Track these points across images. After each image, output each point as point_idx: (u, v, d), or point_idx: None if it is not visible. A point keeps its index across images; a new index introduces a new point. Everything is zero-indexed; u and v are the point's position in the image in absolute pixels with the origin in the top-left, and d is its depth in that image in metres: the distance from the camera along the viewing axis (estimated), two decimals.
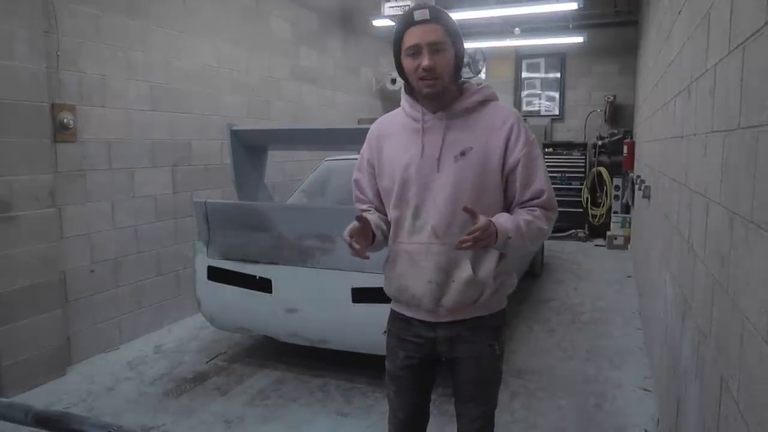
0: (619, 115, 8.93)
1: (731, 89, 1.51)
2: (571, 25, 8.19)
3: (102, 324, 4.05)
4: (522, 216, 1.65)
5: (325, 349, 3.47)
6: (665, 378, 2.73)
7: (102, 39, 3.92)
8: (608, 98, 8.85)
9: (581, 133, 9.23)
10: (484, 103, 1.70)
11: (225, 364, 3.84)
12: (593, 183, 8.78)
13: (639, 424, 3.01)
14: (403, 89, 1.75)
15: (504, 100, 2.02)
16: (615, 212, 8.35)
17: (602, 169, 8.68)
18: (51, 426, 1.06)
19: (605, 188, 8.64)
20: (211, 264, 3.56)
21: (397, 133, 1.75)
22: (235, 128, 3.90)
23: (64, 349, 3.69)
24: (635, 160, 6.85)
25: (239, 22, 5.35)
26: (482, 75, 8.71)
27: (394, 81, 8.10)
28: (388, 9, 5.68)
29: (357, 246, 1.57)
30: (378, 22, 6.91)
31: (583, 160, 8.88)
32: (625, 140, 7.83)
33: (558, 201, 1.76)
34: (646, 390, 3.40)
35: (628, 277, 6.25)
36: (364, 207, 1.82)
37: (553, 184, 1.77)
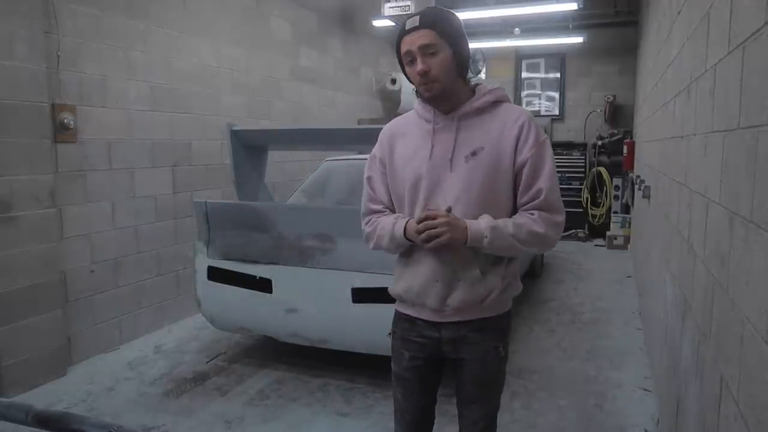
0: (619, 115, 8.93)
1: (731, 89, 1.51)
2: (571, 25, 8.19)
3: (102, 324, 4.05)
4: (514, 218, 1.65)
5: (325, 349, 3.47)
6: (665, 378, 2.73)
7: (102, 39, 3.92)
8: (608, 98, 8.85)
9: (581, 133, 9.23)
10: (496, 103, 1.70)
11: (225, 364, 3.84)
12: (593, 183, 8.78)
13: (639, 424, 3.01)
14: (415, 93, 1.76)
15: None
16: (615, 212, 8.35)
17: (602, 169, 8.68)
18: (51, 426, 1.06)
19: (605, 188, 8.64)
20: (211, 264, 3.56)
21: (410, 133, 1.75)
22: (235, 128, 3.90)
23: (64, 349, 3.69)
24: (635, 160, 6.85)
25: (239, 22, 5.35)
26: (482, 75, 8.71)
27: (394, 81, 8.10)
28: (388, 9, 5.68)
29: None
30: (378, 23, 6.91)
31: (583, 160, 8.89)
32: (625, 140, 7.83)
33: None
34: (646, 390, 3.41)
35: (628, 277, 6.25)
36: (378, 208, 1.80)
37: None
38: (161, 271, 4.57)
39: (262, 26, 5.72)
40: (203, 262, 3.58)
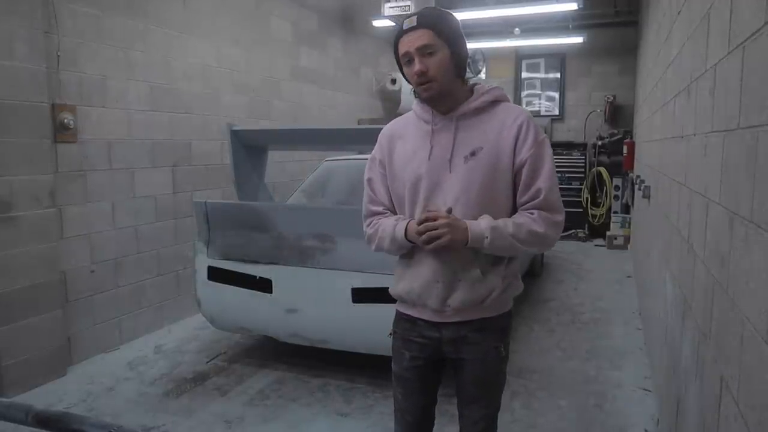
0: (619, 115, 8.93)
1: (731, 89, 1.51)
2: (571, 26, 8.19)
3: (102, 324, 4.05)
4: (514, 218, 1.65)
5: (325, 349, 3.47)
6: (665, 378, 2.73)
7: (102, 39, 3.92)
8: (608, 98, 8.85)
9: (581, 133, 9.24)
10: (494, 103, 1.70)
11: (225, 364, 3.84)
12: (593, 183, 8.78)
13: (639, 424, 3.01)
14: (413, 94, 1.76)
15: None
16: (615, 212, 8.35)
17: (602, 169, 8.69)
18: (51, 426, 1.06)
19: (605, 188, 8.64)
20: (212, 264, 3.56)
21: (409, 135, 1.75)
22: (235, 128, 3.91)
23: (64, 349, 3.69)
24: (635, 160, 6.85)
25: (239, 22, 5.35)
26: (482, 75, 8.69)
27: (394, 81, 8.10)
28: (388, 9, 5.68)
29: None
30: (378, 23, 6.91)
31: (583, 160, 8.89)
32: (625, 140, 7.83)
33: None
34: (646, 390, 3.41)
35: (628, 277, 6.25)
36: (379, 209, 1.80)
37: None
38: (161, 271, 4.57)
39: (262, 26, 5.72)
40: (203, 262, 3.58)
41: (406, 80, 1.70)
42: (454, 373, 1.83)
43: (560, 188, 1.73)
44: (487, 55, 8.46)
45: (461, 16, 6.22)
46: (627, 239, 7.82)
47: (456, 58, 1.63)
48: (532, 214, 1.64)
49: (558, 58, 9.36)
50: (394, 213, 1.80)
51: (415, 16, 1.61)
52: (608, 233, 8.11)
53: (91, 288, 3.95)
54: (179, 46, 4.62)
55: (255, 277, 3.41)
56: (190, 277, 4.33)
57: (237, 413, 3.17)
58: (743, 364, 1.28)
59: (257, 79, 5.66)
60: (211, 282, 3.57)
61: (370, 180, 1.83)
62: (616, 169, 8.44)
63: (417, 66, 1.60)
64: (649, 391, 3.39)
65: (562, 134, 9.43)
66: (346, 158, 4.67)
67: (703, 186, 1.88)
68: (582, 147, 9.02)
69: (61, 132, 3.63)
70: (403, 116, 1.85)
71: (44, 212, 3.48)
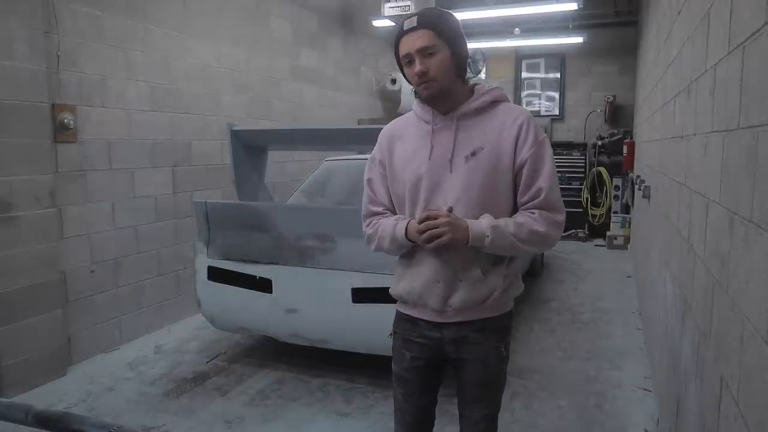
0: (619, 115, 8.93)
1: (731, 89, 1.51)
2: (571, 26, 8.19)
3: (102, 324, 4.05)
4: (515, 218, 1.65)
5: (325, 349, 3.47)
6: (665, 378, 2.73)
7: (102, 39, 3.92)
8: (608, 98, 8.85)
9: (581, 133, 9.23)
10: (495, 103, 1.70)
11: (225, 364, 3.84)
12: (593, 183, 8.78)
13: (639, 424, 3.02)
14: (414, 94, 1.76)
15: None
16: (615, 212, 8.35)
17: (602, 169, 8.69)
18: (51, 426, 1.06)
19: (605, 188, 8.64)
20: (212, 264, 3.56)
21: (409, 135, 1.75)
22: (235, 128, 3.91)
23: (64, 349, 3.69)
24: (635, 160, 6.85)
25: (239, 22, 5.35)
26: (482, 75, 8.69)
27: (394, 81, 8.10)
28: (388, 9, 5.68)
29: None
30: (378, 23, 6.90)
31: (583, 160, 8.89)
32: (625, 140, 7.83)
33: None
34: (646, 390, 3.41)
35: (628, 277, 6.25)
36: (379, 210, 1.80)
37: None
38: (161, 271, 4.57)
39: (262, 26, 5.72)
40: (203, 262, 3.58)
41: (407, 80, 1.70)
42: (455, 373, 1.83)
43: (560, 188, 1.73)
44: (487, 55, 8.46)
45: (461, 16, 6.23)
46: (627, 239, 7.82)
47: (456, 58, 1.63)
48: (533, 213, 1.64)
49: (558, 58, 9.36)
50: (394, 213, 1.80)
51: (415, 17, 1.62)
52: (608, 233, 8.11)
53: (91, 288, 3.95)
54: (179, 46, 4.62)
55: (255, 277, 3.41)
56: (190, 277, 4.33)
57: (237, 413, 3.17)
58: (743, 364, 1.28)
59: (257, 79, 5.66)
60: (211, 282, 3.57)
61: (369, 180, 1.83)
62: (616, 169, 8.44)
63: (418, 67, 1.60)
64: (649, 391, 3.38)
65: (562, 134, 9.43)
66: (346, 158, 4.67)
67: (703, 186, 1.88)
68: (582, 147, 9.02)
69: (61, 132, 3.63)
70: (402, 117, 1.85)
71: (44, 212, 3.48)
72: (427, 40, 1.58)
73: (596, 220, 8.70)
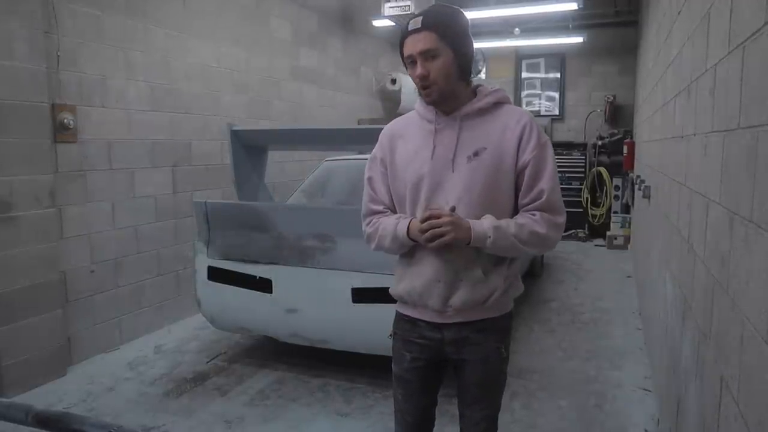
0: (619, 115, 8.93)
1: (731, 89, 1.51)
2: (571, 25, 8.19)
3: (102, 324, 4.05)
4: (516, 219, 1.65)
5: (325, 349, 3.47)
6: (665, 378, 2.73)
7: (102, 39, 3.92)
8: (608, 98, 8.85)
9: (581, 133, 9.23)
10: (498, 105, 1.70)
11: (225, 364, 3.84)
12: (593, 183, 8.78)
13: (639, 424, 3.01)
14: (417, 93, 1.76)
15: None
16: (615, 212, 8.35)
17: (602, 169, 8.69)
18: (51, 426, 1.06)
19: (605, 188, 8.64)
20: (212, 264, 3.56)
21: (411, 134, 1.75)
22: (235, 128, 3.91)
23: (64, 349, 3.69)
24: (635, 160, 6.85)
25: (239, 22, 5.35)
26: (482, 75, 8.71)
27: (394, 81, 8.10)
28: (388, 9, 5.68)
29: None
30: (378, 22, 6.91)
31: (583, 160, 8.89)
32: (625, 140, 7.83)
33: None
34: (646, 390, 3.41)
35: (628, 277, 6.25)
36: (379, 208, 1.80)
37: None
38: (161, 271, 4.57)
39: (262, 26, 5.72)
40: (203, 262, 3.58)
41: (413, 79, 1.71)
42: (455, 373, 1.83)
43: (560, 188, 1.73)
44: (487, 55, 8.48)
45: None
46: (627, 239, 7.82)
47: (460, 60, 1.62)
48: (534, 215, 1.65)
49: (558, 58, 9.36)
50: (394, 212, 1.79)
51: (421, 17, 1.60)
52: (608, 233, 8.11)
53: (91, 288, 3.95)
54: (179, 46, 4.62)
55: (255, 277, 3.41)
56: (190, 277, 4.33)
57: (237, 413, 3.17)
58: (743, 364, 1.28)
59: (257, 79, 5.66)
60: (211, 282, 3.57)
61: (370, 179, 1.82)
62: (616, 169, 8.44)
63: (418, 70, 1.60)
64: (649, 391, 3.38)
65: (562, 134, 9.43)
66: (346, 158, 4.67)
67: (703, 186, 1.88)
68: (582, 147, 9.02)
69: (61, 132, 3.63)
70: (404, 116, 1.85)
71: (44, 212, 3.48)
72: (429, 43, 1.57)
73: (596, 220, 8.70)
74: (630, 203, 7.29)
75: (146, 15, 4.28)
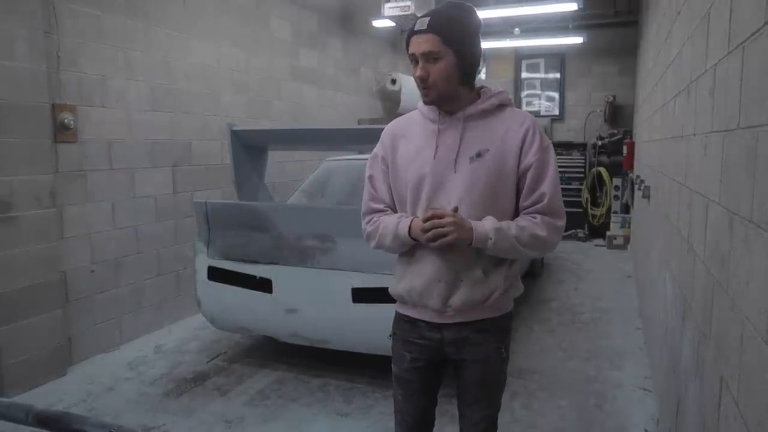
0: (619, 115, 8.93)
1: (731, 89, 1.51)
2: (570, 26, 8.19)
3: (102, 324, 4.05)
4: (517, 221, 1.65)
5: (325, 349, 3.47)
6: (665, 378, 2.73)
7: (102, 39, 3.92)
8: (608, 98, 8.85)
9: (581, 133, 9.23)
10: (501, 107, 1.71)
11: (225, 364, 3.84)
12: (593, 183, 8.78)
13: (639, 424, 3.01)
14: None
15: None
16: (615, 212, 8.35)
17: (602, 169, 8.69)
18: (51, 426, 1.06)
19: (605, 188, 8.64)
20: (212, 264, 3.56)
21: (413, 133, 1.75)
22: (235, 128, 3.91)
23: (64, 349, 3.69)
24: (635, 160, 6.85)
25: (239, 23, 5.35)
26: (482, 75, 8.71)
27: (394, 81, 8.10)
28: (388, 9, 5.68)
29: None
30: (378, 23, 6.91)
31: (583, 160, 8.89)
32: (625, 140, 7.83)
33: None
34: (646, 390, 3.41)
35: (628, 277, 6.25)
36: (380, 207, 1.80)
37: None
38: (161, 271, 4.57)
39: (262, 26, 5.72)
40: (203, 262, 3.58)
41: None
42: (455, 374, 1.83)
43: (560, 188, 1.73)
44: (487, 55, 8.48)
45: None
46: (627, 239, 7.82)
47: (463, 64, 1.62)
48: (534, 218, 1.65)
49: (558, 58, 9.36)
50: (395, 211, 1.79)
51: (428, 18, 1.59)
52: (608, 233, 8.11)
53: (91, 288, 3.95)
54: (179, 46, 4.62)
55: (255, 277, 3.41)
56: (190, 277, 4.33)
57: (237, 413, 3.17)
58: (743, 364, 1.28)
59: (257, 79, 5.66)
60: (211, 282, 3.57)
61: (371, 177, 1.82)
62: (616, 169, 8.44)
63: (418, 71, 1.61)
64: (649, 391, 3.38)
65: (562, 134, 9.43)
66: (346, 158, 4.67)
67: (703, 186, 1.88)
68: (582, 147, 9.02)
69: (61, 132, 3.63)
70: (406, 115, 1.85)
71: (44, 212, 3.48)
72: (431, 46, 1.57)
73: (596, 220, 8.70)
74: (630, 203, 7.30)
75: (146, 15, 4.28)
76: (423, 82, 1.61)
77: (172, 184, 4.63)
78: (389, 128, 1.84)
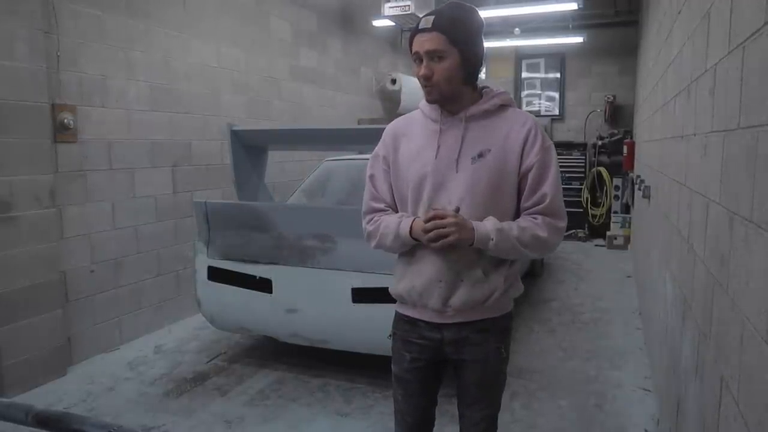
0: (619, 115, 8.93)
1: (731, 89, 1.51)
2: (571, 25, 8.19)
3: (102, 324, 4.05)
4: (518, 222, 1.65)
5: (325, 349, 3.47)
6: (665, 378, 2.73)
7: (102, 39, 3.92)
8: (608, 98, 8.85)
9: (581, 133, 9.24)
10: (503, 107, 1.71)
11: (225, 364, 3.84)
12: (593, 183, 8.79)
13: (639, 424, 3.01)
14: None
15: None
16: (615, 212, 8.36)
17: (602, 169, 8.69)
18: (51, 426, 1.06)
19: (605, 188, 8.64)
20: (212, 264, 3.56)
21: (414, 133, 1.75)
22: (235, 128, 3.91)
23: (64, 349, 3.69)
24: (635, 160, 6.85)
25: (239, 23, 5.35)
26: (482, 75, 8.67)
27: (394, 81, 8.10)
28: (388, 9, 5.69)
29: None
30: (378, 23, 6.92)
31: (583, 160, 8.90)
32: (625, 140, 7.83)
33: None
34: (646, 390, 3.41)
35: (628, 277, 6.25)
36: (380, 206, 1.79)
37: None
38: (161, 271, 4.57)
39: (262, 26, 5.72)
40: (203, 262, 3.58)
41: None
42: (455, 374, 1.83)
43: (562, 189, 1.73)
44: (487, 55, 8.46)
45: None
46: (627, 239, 7.82)
47: (466, 64, 1.62)
48: (536, 218, 1.65)
49: (558, 58, 9.36)
50: (395, 211, 1.79)
51: (433, 16, 1.59)
52: (608, 233, 8.11)
53: (91, 288, 3.95)
54: (179, 46, 4.62)
55: (255, 277, 3.41)
56: (190, 277, 4.33)
57: (237, 413, 3.17)
58: (743, 364, 1.28)
59: (257, 79, 5.66)
60: (211, 282, 3.57)
61: (372, 176, 1.82)
62: (616, 169, 8.44)
63: (423, 70, 1.60)
64: (649, 391, 3.38)
65: (562, 134, 9.44)
66: (346, 158, 4.67)
67: (703, 186, 1.88)
68: (582, 147, 9.02)
69: (61, 132, 3.63)
70: (407, 115, 1.85)
71: (44, 212, 3.48)
72: (437, 44, 1.57)
73: (596, 220, 8.70)
74: (630, 203, 7.29)
75: (147, 15, 4.28)
76: (427, 81, 1.61)
77: (172, 184, 4.63)
78: (390, 127, 1.84)
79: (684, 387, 2.10)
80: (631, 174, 7.11)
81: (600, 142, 8.80)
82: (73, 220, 3.78)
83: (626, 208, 8.07)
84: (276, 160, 5.28)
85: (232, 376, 3.66)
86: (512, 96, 1.82)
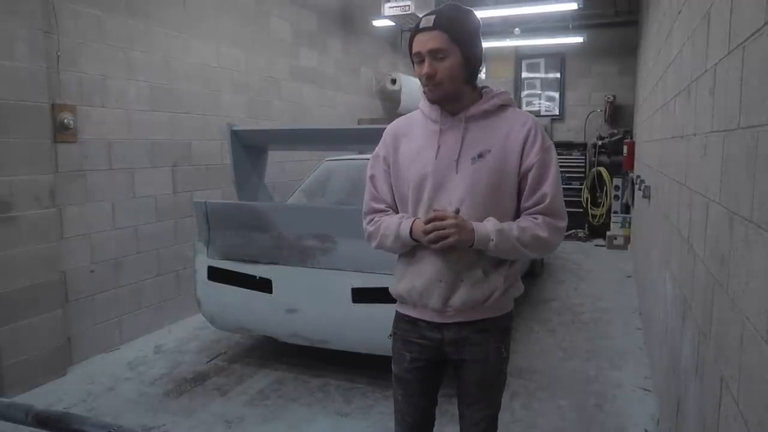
0: (619, 115, 8.94)
1: (731, 89, 1.51)
2: (571, 25, 8.19)
3: (102, 324, 4.05)
4: (519, 222, 1.65)
5: (325, 349, 3.47)
6: (665, 378, 2.73)
7: (102, 39, 3.92)
8: (608, 98, 8.86)
9: (581, 133, 9.24)
10: (503, 107, 1.71)
11: (225, 364, 3.84)
12: (593, 183, 8.79)
13: (639, 424, 3.01)
14: (422, 91, 1.76)
15: None
16: (615, 212, 8.36)
17: (602, 169, 8.69)
18: (51, 426, 1.06)
19: (605, 188, 8.65)
20: (212, 264, 3.56)
21: (414, 133, 1.75)
22: (235, 128, 3.91)
23: (64, 349, 3.69)
24: (635, 160, 6.85)
25: (239, 23, 5.35)
26: (482, 75, 8.68)
27: (394, 81, 8.10)
28: (388, 9, 5.69)
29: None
30: (378, 23, 6.92)
31: (583, 160, 8.90)
32: (625, 140, 7.83)
33: None
34: (646, 390, 3.41)
35: (628, 277, 6.25)
36: (381, 207, 1.80)
37: None
38: (161, 271, 4.57)
39: (262, 26, 5.72)
40: (203, 262, 3.58)
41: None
42: (455, 373, 1.83)
43: (562, 189, 1.73)
44: (487, 55, 8.48)
45: None
46: (627, 239, 7.82)
47: (468, 63, 1.63)
48: (536, 218, 1.65)
49: (558, 58, 9.37)
50: (396, 211, 1.79)
51: (433, 16, 1.60)
52: (608, 233, 8.11)
53: (92, 288, 3.95)
54: (179, 46, 4.62)
55: (255, 277, 3.41)
56: (190, 277, 4.33)
57: (237, 413, 3.17)
58: (743, 364, 1.28)
59: (257, 79, 5.66)
60: (211, 282, 3.57)
61: (372, 177, 1.82)
62: (616, 169, 8.44)
63: (426, 69, 1.60)
64: (649, 391, 3.38)
65: (562, 134, 9.44)
66: (346, 158, 4.67)
67: (703, 186, 1.88)
68: (582, 147, 9.02)
69: (61, 132, 3.63)
70: (407, 115, 1.85)
71: (44, 212, 3.48)
72: (439, 43, 1.57)
73: (596, 220, 8.70)
74: (630, 203, 7.29)
75: (147, 15, 4.28)
76: (430, 80, 1.61)
77: (172, 184, 4.63)
78: (391, 128, 1.84)
79: (684, 387, 2.10)
80: (631, 174, 7.11)
81: (600, 142, 8.80)
82: (73, 220, 3.78)
83: (626, 208, 8.07)
84: (276, 160, 5.28)
85: (232, 376, 3.66)
86: (512, 96, 1.81)
